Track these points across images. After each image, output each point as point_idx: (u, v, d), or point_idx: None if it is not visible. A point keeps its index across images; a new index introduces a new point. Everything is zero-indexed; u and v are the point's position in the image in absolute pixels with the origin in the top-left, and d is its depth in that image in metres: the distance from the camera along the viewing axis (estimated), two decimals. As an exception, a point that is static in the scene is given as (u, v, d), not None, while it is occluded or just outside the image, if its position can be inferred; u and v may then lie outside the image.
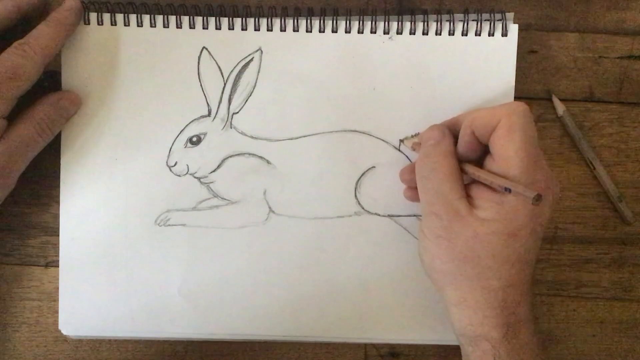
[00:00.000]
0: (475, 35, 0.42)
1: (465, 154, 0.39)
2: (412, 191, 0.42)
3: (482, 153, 0.39)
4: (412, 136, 0.43)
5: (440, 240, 0.37)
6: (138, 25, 0.42)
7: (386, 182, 0.43)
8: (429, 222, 0.38)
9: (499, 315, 0.37)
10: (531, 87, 0.44)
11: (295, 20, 0.42)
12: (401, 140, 0.43)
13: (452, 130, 0.39)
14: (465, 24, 0.42)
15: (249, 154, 0.43)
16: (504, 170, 0.36)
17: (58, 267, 0.44)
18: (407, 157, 0.43)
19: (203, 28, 0.42)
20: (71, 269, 0.43)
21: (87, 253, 0.43)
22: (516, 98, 0.42)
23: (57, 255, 0.43)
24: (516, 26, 0.42)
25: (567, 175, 0.45)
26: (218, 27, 0.42)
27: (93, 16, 0.42)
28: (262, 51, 0.42)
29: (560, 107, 0.44)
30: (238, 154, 0.43)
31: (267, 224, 0.43)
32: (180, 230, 0.43)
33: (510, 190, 0.35)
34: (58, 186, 0.43)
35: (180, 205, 0.43)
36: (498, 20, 0.42)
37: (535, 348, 0.37)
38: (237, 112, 0.43)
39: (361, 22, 0.42)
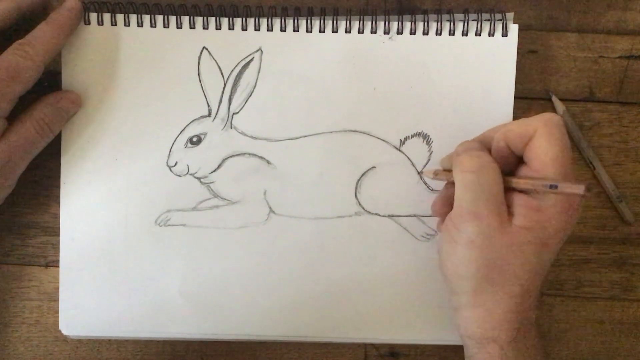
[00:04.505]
0: (476, 35, 0.42)
1: None
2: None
3: (513, 167, 0.39)
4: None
5: (472, 247, 0.36)
6: (138, 26, 0.42)
7: (386, 182, 0.43)
8: (464, 226, 0.36)
9: (514, 320, 0.37)
10: (531, 87, 0.44)
11: (296, 20, 0.42)
12: (420, 173, 0.43)
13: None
14: (466, 24, 0.42)
15: (249, 154, 0.43)
16: (543, 176, 0.36)
17: (58, 267, 0.44)
18: (407, 157, 0.43)
19: (203, 28, 0.42)
20: (71, 269, 0.43)
21: (87, 253, 0.43)
22: (516, 98, 0.42)
23: (57, 255, 0.44)
24: (516, 26, 0.42)
25: (567, 175, 0.45)
26: (218, 27, 0.42)
27: (93, 16, 0.42)
28: (262, 51, 0.42)
29: (560, 107, 0.44)
30: (238, 154, 0.43)
31: (268, 224, 0.43)
32: (180, 231, 0.43)
33: (556, 187, 0.35)
34: (58, 186, 0.43)
35: (180, 206, 0.43)
36: (498, 20, 0.42)
37: (540, 349, 0.38)
38: (237, 112, 0.43)
39: (361, 22, 0.42)
